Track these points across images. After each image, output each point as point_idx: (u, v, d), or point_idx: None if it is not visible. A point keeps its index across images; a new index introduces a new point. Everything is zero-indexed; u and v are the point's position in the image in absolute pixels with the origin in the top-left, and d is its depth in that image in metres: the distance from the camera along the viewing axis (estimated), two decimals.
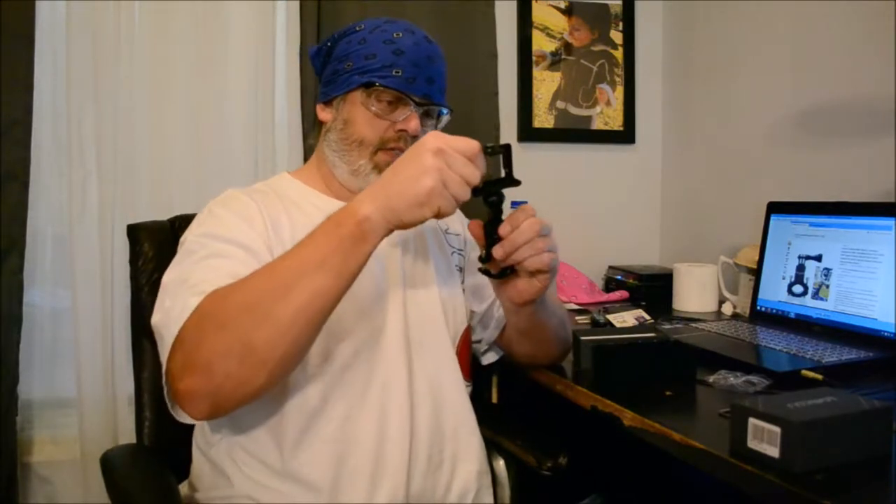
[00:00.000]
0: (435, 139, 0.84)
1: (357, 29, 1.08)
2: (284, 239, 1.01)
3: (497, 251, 0.95)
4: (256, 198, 1.05)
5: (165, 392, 0.90)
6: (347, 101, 1.07)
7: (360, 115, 1.05)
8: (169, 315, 0.88)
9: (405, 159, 0.85)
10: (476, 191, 0.89)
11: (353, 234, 0.82)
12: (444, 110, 1.10)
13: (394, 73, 1.03)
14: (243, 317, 0.81)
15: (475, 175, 0.84)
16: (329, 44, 1.12)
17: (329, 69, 1.11)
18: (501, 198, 0.93)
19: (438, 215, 0.84)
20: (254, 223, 1.00)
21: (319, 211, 1.07)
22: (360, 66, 1.05)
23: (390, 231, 0.85)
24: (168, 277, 0.96)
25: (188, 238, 1.00)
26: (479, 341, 1.22)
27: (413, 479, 1.00)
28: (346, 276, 0.84)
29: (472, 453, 1.08)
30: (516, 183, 0.93)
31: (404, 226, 0.84)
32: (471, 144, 0.85)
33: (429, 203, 0.82)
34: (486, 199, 0.93)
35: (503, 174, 0.93)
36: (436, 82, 1.07)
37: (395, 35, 1.05)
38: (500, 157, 0.93)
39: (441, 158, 0.82)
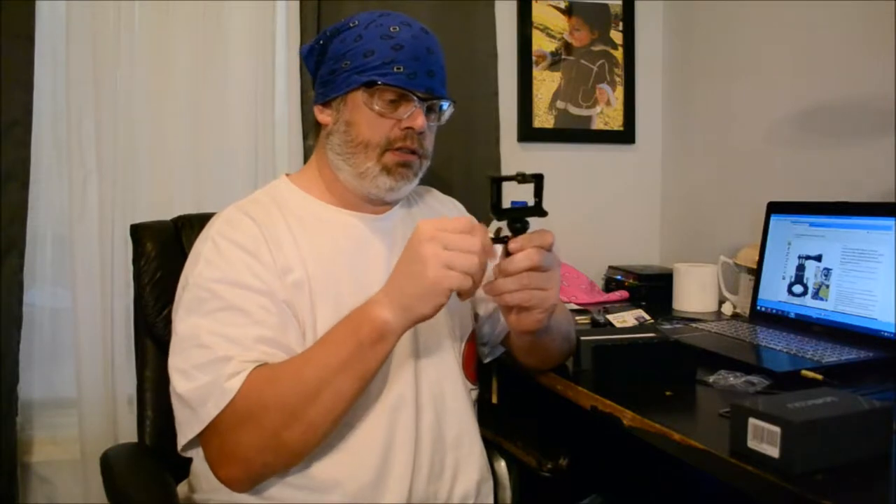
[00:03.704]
0: (426, 227, 0.86)
1: (351, 25, 1.04)
2: (290, 260, 0.99)
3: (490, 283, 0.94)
4: (258, 216, 1.02)
5: (181, 445, 0.96)
6: (348, 102, 1.03)
7: (363, 115, 1.02)
8: (204, 392, 0.90)
9: (406, 257, 0.87)
10: (502, 215, 0.91)
11: (372, 337, 0.87)
12: (446, 103, 1.07)
13: (395, 69, 1.00)
14: (277, 418, 0.88)
15: (474, 243, 0.85)
16: (322, 42, 1.07)
17: (325, 69, 1.06)
18: (526, 225, 0.92)
19: (462, 294, 0.87)
20: (260, 255, 0.98)
21: (321, 223, 1.06)
22: (358, 65, 1.01)
23: (409, 328, 0.89)
24: (181, 328, 0.95)
25: (197, 282, 0.96)
26: (484, 343, 1.22)
27: (416, 486, 1.00)
28: (367, 377, 0.89)
29: (473, 462, 1.07)
30: (543, 213, 0.93)
31: (424, 318, 0.88)
32: (462, 221, 0.87)
33: (438, 291, 0.85)
34: (511, 225, 0.92)
35: (533, 202, 0.93)
36: (437, 75, 1.04)
37: (391, 29, 1.01)
38: (533, 185, 0.94)
39: (436, 243, 0.84)
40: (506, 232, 0.93)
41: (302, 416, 0.87)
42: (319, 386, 0.87)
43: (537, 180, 0.93)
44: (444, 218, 0.88)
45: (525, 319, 0.96)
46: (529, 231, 0.92)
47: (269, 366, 0.91)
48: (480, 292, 1.16)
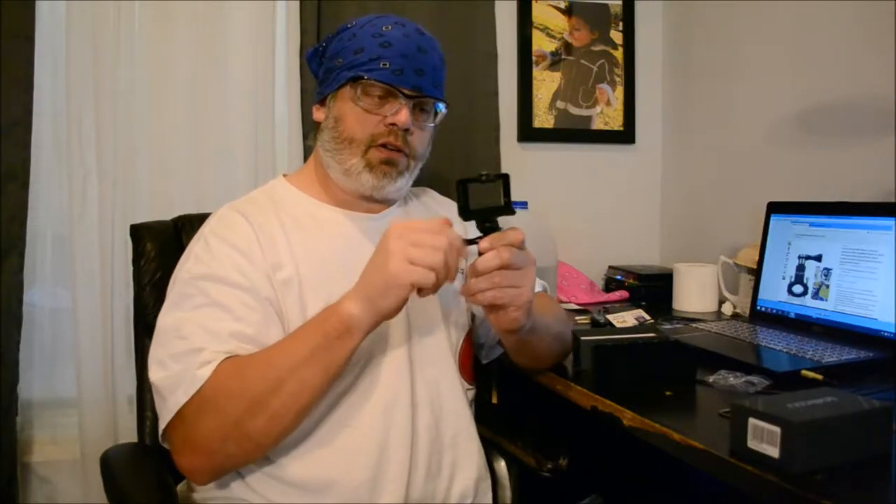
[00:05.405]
0: (396, 226, 0.87)
1: (348, 26, 1.07)
2: (282, 259, 1.00)
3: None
4: (252, 215, 1.03)
5: (160, 435, 0.97)
6: (338, 98, 1.05)
7: (349, 111, 1.03)
8: (175, 381, 0.91)
9: (375, 253, 0.89)
10: (470, 216, 0.92)
11: (338, 329, 0.88)
12: (440, 105, 1.07)
13: (381, 65, 1.01)
14: (240, 406, 0.88)
15: (441, 240, 0.86)
16: (324, 45, 1.11)
17: (322, 68, 1.10)
18: (495, 225, 0.93)
19: (423, 291, 0.87)
20: (251, 255, 0.99)
21: (316, 222, 1.07)
22: (349, 62, 1.03)
23: (377, 323, 0.89)
24: (165, 321, 0.97)
25: (185, 277, 0.98)
26: (481, 344, 1.22)
27: (412, 486, 1.00)
28: (332, 369, 0.90)
29: (471, 461, 1.07)
30: (511, 212, 0.93)
31: (387, 313, 0.88)
32: (432, 221, 0.89)
33: (398, 284, 0.86)
34: (481, 226, 0.93)
35: (502, 202, 0.93)
36: (426, 74, 1.04)
37: (384, 28, 1.03)
38: (501, 185, 0.93)
39: (403, 239, 0.85)
40: (477, 233, 0.93)
41: (265, 406, 0.88)
42: (284, 376, 0.88)
43: (504, 180, 0.93)
44: (417, 220, 0.89)
45: (502, 318, 0.96)
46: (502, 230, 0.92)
47: (239, 357, 0.92)
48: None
